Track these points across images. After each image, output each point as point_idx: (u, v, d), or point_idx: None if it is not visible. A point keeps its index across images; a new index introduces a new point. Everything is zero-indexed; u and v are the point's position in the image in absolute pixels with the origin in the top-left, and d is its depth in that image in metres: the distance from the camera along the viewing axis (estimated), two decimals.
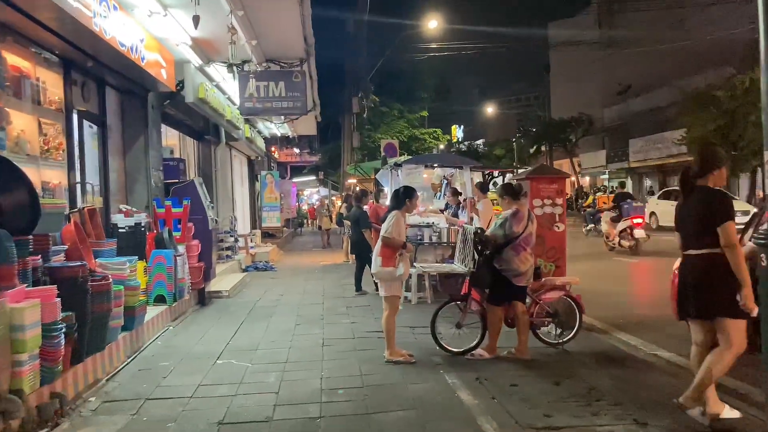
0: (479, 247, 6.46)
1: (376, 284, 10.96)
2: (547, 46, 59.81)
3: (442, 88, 51.50)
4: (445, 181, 12.69)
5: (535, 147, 49.94)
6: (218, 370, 6.24)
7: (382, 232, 6.40)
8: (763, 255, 4.15)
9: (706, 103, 27.86)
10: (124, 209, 8.97)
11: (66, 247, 6.12)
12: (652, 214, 24.85)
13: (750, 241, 5.53)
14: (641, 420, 4.58)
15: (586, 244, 18.76)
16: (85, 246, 6.47)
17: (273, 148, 28.51)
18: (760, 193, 22.97)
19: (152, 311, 7.89)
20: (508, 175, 20.41)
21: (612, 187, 48.42)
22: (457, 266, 7.01)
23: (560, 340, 6.87)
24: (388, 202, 11.91)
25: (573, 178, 44.93)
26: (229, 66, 10.44)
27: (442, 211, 11.73)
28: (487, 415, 4.77)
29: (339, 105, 30.69)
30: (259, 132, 21.27)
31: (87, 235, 6.89)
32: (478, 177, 12.66)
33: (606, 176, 49.75)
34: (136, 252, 8.22)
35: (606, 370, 5.95)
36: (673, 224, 4.75)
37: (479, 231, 6.69)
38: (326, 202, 30.49)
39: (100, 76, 8.68)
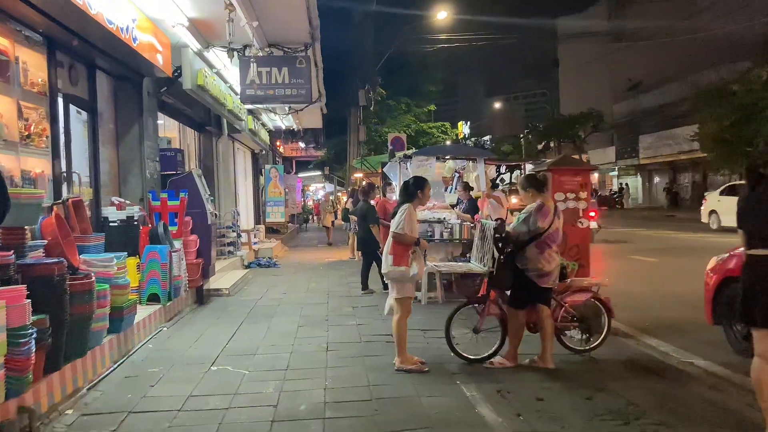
0: (500, 244, 5.86)
1: (383, 282, 10.50)
2: (556, 41, 59.24)
3: (449, 83, 50.89)
4: (457, 175, 12.07)
5: (543, 143, 49.28)
6: (212, 378, 5.67)
7: (392, 228, 5.80)
8: None
9: (720, 98, 27.21)
10: (117, 201, 8.43)
11: (45, 242, 5.55)
12: (712, 212, 21.59)
13: None
14: None
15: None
16: (67, 241, 5.89)
17: (278, 142, 27.97)
18: None
19: (144, 311, 7.34)
20: (516, 172, 19.89)
21: (620, 184, 47.87)
22: (475, 265, 6.41)
23: (587, 347, 6.28)
24: (396, 196, 11.37)
25: None
26: (229, 50, 9.81)
27: (453, 206, 11.11)
28: None
29: (345, 98, 30.09)
30: (263, 124, 20.69)
31: (71, 228, 6.32)
32: (491, 171, 12.04)
33: (615, 173, 49.09)
34: (129, 247, 7.70)
35: (640, 382, 5.36)
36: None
37: (500, 225, 6.08)
38: (330, 198, 29.95)
39: (90, 58, 8.07)
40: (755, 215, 3.89)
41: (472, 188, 11.09)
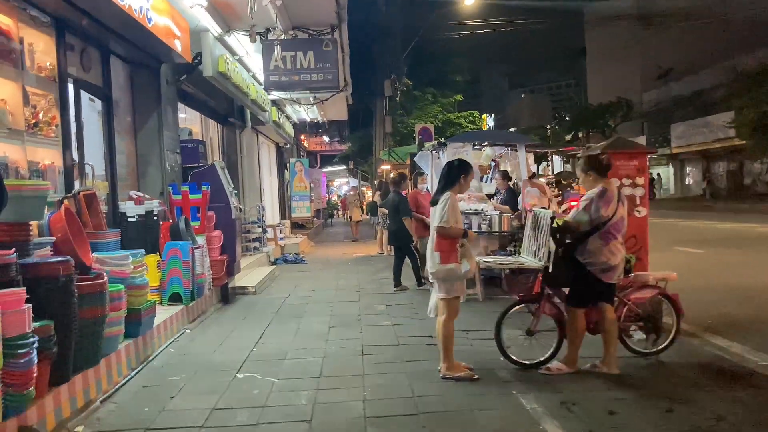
0: (557, 236, 5.21)
1: (418, 279, 9.89)
2: (583, 29, 58.06)
3: (472, 75, 49.96)
4: (493, 164, 11.36)
5: (571, 134, 48.15)
6: (238, 388, 5.12)
7: (435, 222, 5.17)
8: None
9: (759, 84, 26.15)
10: (135, 195, 7.93)
11: (53, 239, 5.03)
12: None
13: None
14: None
15: None
16: (79, 238, 5.37)
17: (302, 137, 27.46)
18: None
19: (165, 312, 6.83)
20: (543, 163, 19.08)
21: (651, 174, 46.65)
22: (527, 259, 5.76)
23: (653, 349, 5.61)
24: (427, 187, 10.71)
25: None
26: (252, 34, 9.21)
27: (490, 197, 10.41)
28: None
29: (369, 89, 29.45)
30: (288, 117, 20.18)
31: (83, 224, 5.81)
32: (531, 158, 11.31)
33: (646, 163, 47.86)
34: (148, 244, 7.20)
35: (725, 391, 4.67)
36: None
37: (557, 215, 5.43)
38: (357, 192, 29.36)
39: (103, 41, 7.54)
40: None
41: (511, 177, 10.38)
